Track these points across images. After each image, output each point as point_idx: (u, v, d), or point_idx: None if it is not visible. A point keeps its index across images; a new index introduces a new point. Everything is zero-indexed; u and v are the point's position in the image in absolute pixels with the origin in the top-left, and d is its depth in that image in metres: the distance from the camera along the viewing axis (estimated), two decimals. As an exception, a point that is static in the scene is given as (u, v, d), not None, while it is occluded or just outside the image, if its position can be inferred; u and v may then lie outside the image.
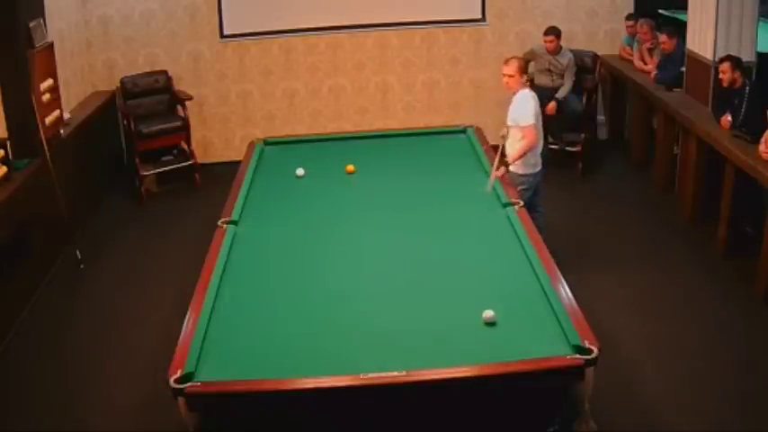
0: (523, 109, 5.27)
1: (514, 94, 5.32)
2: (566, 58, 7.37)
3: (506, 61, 5.33)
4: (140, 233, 6.74)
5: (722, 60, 5.82)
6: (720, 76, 5.82)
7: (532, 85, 7.59)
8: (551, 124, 7.20)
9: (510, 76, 5.26)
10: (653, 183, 7.14)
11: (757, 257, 5.18)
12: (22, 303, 5.42)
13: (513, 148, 5.30)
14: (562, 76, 7.40)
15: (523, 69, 5.36)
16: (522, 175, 5.32)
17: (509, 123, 5.35)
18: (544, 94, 7.37)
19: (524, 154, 5.26)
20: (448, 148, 5.97)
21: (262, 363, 3.36)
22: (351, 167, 5.51)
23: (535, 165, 5.39)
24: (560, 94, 7.35)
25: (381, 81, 8.18)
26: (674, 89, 6.82)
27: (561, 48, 7.40)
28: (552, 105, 7.26)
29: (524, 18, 8.03)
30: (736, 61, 5.76)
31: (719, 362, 4.57)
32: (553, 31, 7.34)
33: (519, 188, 5.20)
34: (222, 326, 3.64)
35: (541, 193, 5.61)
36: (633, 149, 7.74)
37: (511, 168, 5.28)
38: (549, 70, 7.44)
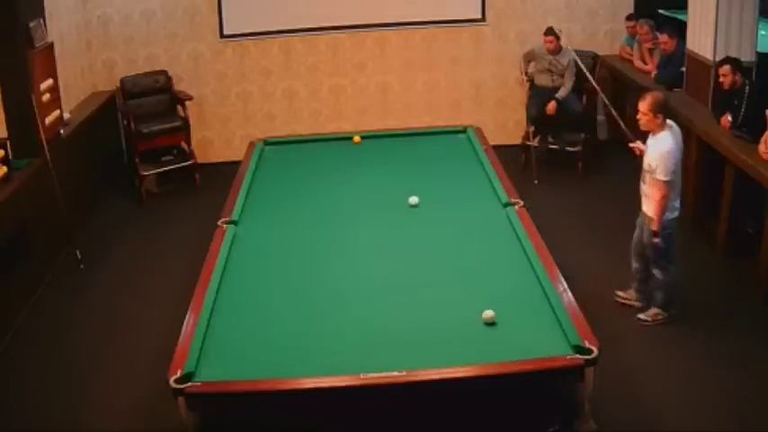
0: (664, 159, 4.63)
1: (652, 134, 4.76)
2: (566, 58, 7.36)
3: (642, 96, 4.74)
4: (140, 233, 6.73)
5: (722, 63, 5.80)
6: (721, 79, 5.79)
7: (532, 85, 7.62)
8: (551, 124, 7.20)
9: (643, 113, 4.70)
10: (653, 183, 7.12)
11: (757, 257, 5.18)
12: (22, 303, 5.42)
13: (650, 191, 4.81)
14: (562, 76, 7.40)
15: (661, 107, 4.68)
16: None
17: (647, 167, 4.80)
18: (544, 94, 7.39)
19: (662, 211, 4.73)
20: (448, 148, 5.97)
21: (262, 363, 3.37)
22: (357, 138, 6.04)
23: (673, 209, 4.81)
24: (560, 94, 7.34)
25: (381, 81, 8.17)
26: (674, 89, 6.81)
27: (561, 48, 7.40)
28: (552, 105, 7.26)
29: (524, 18, 8.02)
30: (735, 63, 5.75)
31: (719, 362, 4.56)
32: (553, 32, 7.34)
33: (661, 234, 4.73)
34: (222, 326, 3.64)
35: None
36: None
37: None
38: (550, 70, 7.43)
